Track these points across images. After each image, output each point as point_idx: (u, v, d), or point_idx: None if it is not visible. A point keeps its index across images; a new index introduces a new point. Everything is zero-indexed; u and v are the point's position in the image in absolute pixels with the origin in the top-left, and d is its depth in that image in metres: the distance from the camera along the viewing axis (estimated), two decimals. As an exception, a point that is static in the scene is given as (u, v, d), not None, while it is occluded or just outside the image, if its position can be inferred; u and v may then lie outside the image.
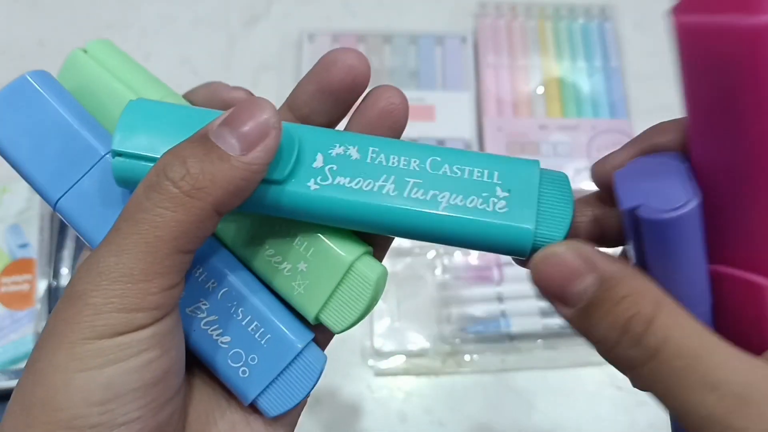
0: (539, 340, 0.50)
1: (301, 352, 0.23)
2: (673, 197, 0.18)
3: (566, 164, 0.56)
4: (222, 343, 0.23)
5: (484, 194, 0.22)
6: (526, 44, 0.61)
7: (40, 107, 0.22)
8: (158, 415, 0.20)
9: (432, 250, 0.52)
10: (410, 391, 0.49)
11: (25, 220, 0.48)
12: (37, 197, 0.48)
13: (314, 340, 0.24)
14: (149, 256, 0.19)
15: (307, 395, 0.24)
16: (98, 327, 0.18)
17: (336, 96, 0.23)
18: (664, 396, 0.18)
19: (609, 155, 0.22)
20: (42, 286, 0.47)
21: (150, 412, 0.19)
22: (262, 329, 0.23)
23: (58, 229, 0.50)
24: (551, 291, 0.19)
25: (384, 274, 0.24)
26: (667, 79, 0.65)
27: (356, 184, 0.22)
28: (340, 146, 0.22)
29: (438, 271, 0.52)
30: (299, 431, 0.48)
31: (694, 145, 0.19)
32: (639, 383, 0.19)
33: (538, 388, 0.49)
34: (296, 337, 0.23)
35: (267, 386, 0.23)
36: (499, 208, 0.21)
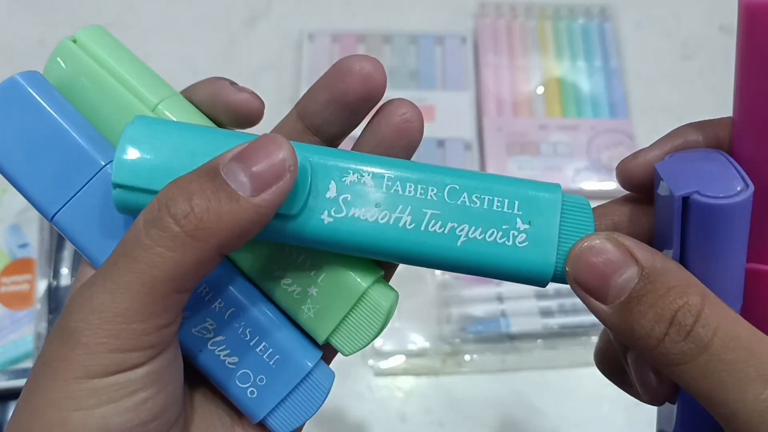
0: (539, 340, 0.50)
1: (310, 372, 0.23)
2: (727, 185, 0.18)
3: (566, 164, 0.56)
4: (230, 363, 0.22)
5: (504, 227, 0.21)
6: (526, 44, 0.61)
7: (32, 112, 0.21)
8: None
9: (432, 250, 0.52)
10: (410, 391, 0.49)
11: (25, 220, 0.48)
12: None
13: (322, 356, 0.24)
14: (145, 296, 0.18)
15: (316, 411, 0.23)
16: (91, 367, 0.18)
17: (351, 107, 0.22)
18: (715, 391, 0.17)
19: (638, 152, 0.22)
20: (42, 286, 0.47)
21: None
22: (271, 350, 0.22)
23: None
24: (590, 285, 0.19)
25: (395, 300, 0.23)
26: (666, 79, 0.65)
27: (372, 216, 0.21)
28: (354, 173, 0.21)
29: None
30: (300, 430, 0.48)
31: (744, 138, 0.19)
32: (686, 379, 0.18)
33: (538, 388, 0.49)
34: (305, 356, 0.23)
35: (276, 406, 0.22)
36: (519, 242, 0.21)
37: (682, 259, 0.19)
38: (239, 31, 0.62)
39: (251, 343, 0.22)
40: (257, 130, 0.24)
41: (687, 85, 0.62)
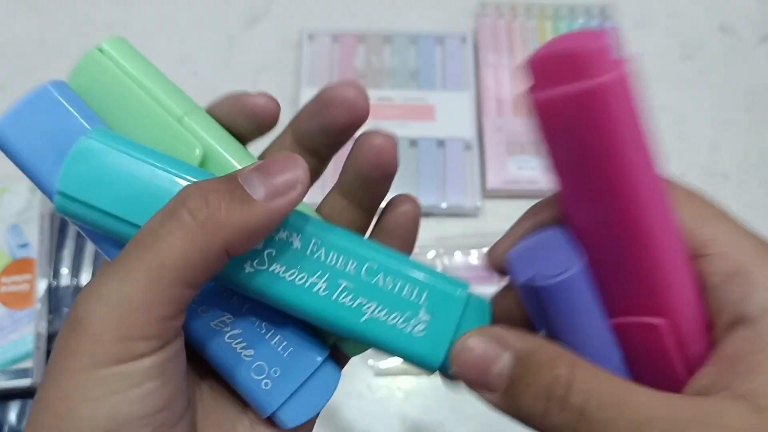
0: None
1: (320, 365, 0.24)
2: (558, 264, 0.20)
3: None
4: (246, 356, 0.23)
5: (407, 313, 0.22)
6: (526, 44, 0.61)
7: (62, 118, 0.22)
8: None
9: (432, 250, 0.52)
10: (410, 391, 0.49)
11: (25, 220, 0.48)
12: (38, 197, 0.48)
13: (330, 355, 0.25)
14: (151, 284, 0.18)
15: (323, 407, 0.24)
16: (97, 355, 0.18)
17: (338, 133, 0.24)
18: None
19: (497, 243, 0.23)
20: (42, 286, 0.47)
21: None
22: (285, 342, 0.23)
23: (59, 229, 0.50)
24: (474, 380, 0.20)
25: None
26: (666, 79, 0.65)
27: (290, 276, 0.22)
28: (284, 231, 0.22)
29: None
30: (299, 431, 0.48)
31: (568, 213, 0.21)
32: None
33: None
34: (316, 351, 0.24)
35: (288, 398, 0.23)
36: (417, 331, 0.22)
37: (553, 335, 0.21)
38: (239, 31, 0.62)
39: (267, 336, 0.23)
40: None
41: (687, 84, 0.62)
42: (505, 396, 0.19)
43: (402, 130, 0.57)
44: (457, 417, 0.48)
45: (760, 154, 0.59)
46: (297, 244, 0.22)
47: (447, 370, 0.22)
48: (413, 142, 0.57)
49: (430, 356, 0.22)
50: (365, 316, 0.22)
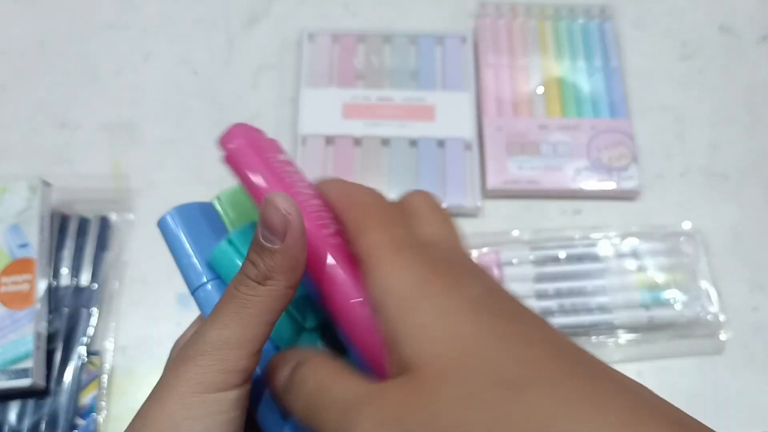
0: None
1: None
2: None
3: (566, 164, 0.56)
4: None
5: None
6: (526, 44, 0.61)
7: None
8: None
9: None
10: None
11: (25, 220, 0.48)
12: (38, 197, 0.48)
13: None
14: (242, 327, 0.24)
15: None
16: (204, 383, 0.23)
17: None
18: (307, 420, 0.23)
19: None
20: (42, 285, 0.47)
21: None
22: None
23: (58, 229, 0.50)
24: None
25: None
26: (666, 79, 0.65)
27: None
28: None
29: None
30: None
31: None
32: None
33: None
34: None
35: None
36: None
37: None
38: (239, 31, 0.62)
39: None
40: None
41: (687, 84, 0.62)
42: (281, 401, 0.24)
43: (402, 130, 0.57)
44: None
45: (759, 154, 0.59)
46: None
47: None
48: (413, 142, 0.57)
49: None
50: None
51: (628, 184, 0.56)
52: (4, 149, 0.57)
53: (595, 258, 0.52)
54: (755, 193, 0.57)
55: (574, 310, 0.50)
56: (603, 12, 0.62)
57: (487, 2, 0.62)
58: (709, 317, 0.51)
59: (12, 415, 0.45)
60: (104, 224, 0.52)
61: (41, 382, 0.44)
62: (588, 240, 0.53)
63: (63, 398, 0.45)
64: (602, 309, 0.50)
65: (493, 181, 0.55)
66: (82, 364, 0.47)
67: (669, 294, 0.51)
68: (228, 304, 0.24)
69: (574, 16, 0.62)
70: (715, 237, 0.55)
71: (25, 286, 0.46)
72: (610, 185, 0.56)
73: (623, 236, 0.53)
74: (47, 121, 0.58)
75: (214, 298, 0.27)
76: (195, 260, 0.27)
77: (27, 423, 0.45)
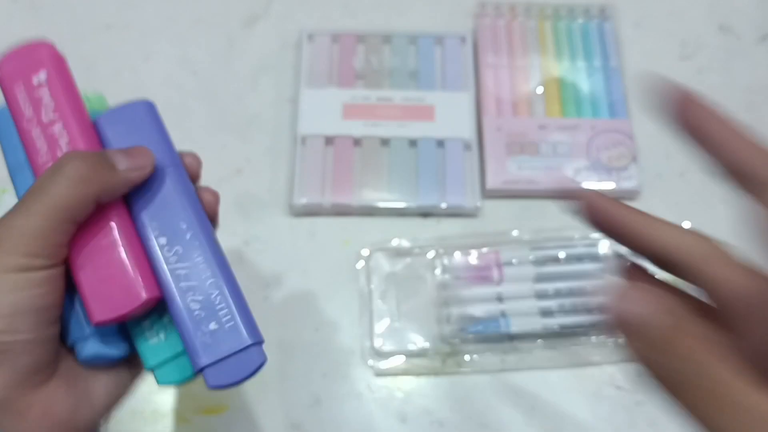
0: (539, 340, 0.50)
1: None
2: None
3: (566, 164, 0.56)
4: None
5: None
6: (525, 44, 0.61)
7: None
8: (47, 330, 0.28)
9: (432, 250, 0.52)
10: (410, 391, 0.49)
11: None
12: None
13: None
14: (47, 219, 0.28)
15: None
16: (9, 264, 0.27)
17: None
18: None
19: None
20: None
21: (40, 327, 0.28)
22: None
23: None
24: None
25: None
26: (666, 78, 0.64)
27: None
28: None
29: (438, 271, 0.52)
30: (300, 430, 0.49)
31: None
32: None
33: (538, 388, 0.49)
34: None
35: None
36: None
37: None
38: (239, 31, 0.62)
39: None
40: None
41: (687, 84, 0.61)
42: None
43: (401, 130, 0.57)
44: (457, 417, 0.48)
45: (759, 154, 0.59)
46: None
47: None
48: (413, 142, 0.57)
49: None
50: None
51: (628, 184, 0.56)
52: (3, 149, 0.57)
53: (595, 258, 0.52)
54: (755, 193, 0.57)
55: (574, 310, 0.50)
56: (602, 12, 0.62)
57: (486, 2, 0.62)
58: None
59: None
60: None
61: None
62: (588, 240, 0.53)
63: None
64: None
65: (492, 181, 0.55)
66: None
67: None
68: (37, 191, 0.28)
69: (573, 16, 0.62)
70: (714, 236, 0.55)
71: None
72: (609, 185, 0.56)
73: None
74: (47, 122, 0.58)
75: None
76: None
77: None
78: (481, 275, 0.51)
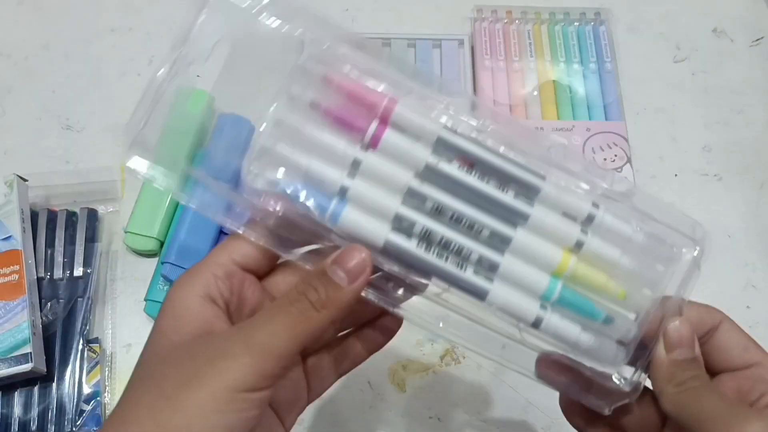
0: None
1: None
2: None
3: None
4: None
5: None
6: (521, 47, 0.62)
7: None
8: None
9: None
10: (410, 389, 0.49)
11: (6, 215, 0.49)
12: (15, 192, 0.50)
13: None
14: (289, 342, 0.26)
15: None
16: (241, 382, 0.25)
17: None
18: None
19: None
20: (30, 274, 0.48)
21: None
22: None
23: (46, 224, 0.51)
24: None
25: None
26: (660, 81, 0.66)
27: None
28: None
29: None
30: (300, 428, 0.49)
31: None
32: None
33: (535, 385, 0.49)
34: None
35: None
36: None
37: None
38: (240, 34, 0.63)
39: None
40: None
41: (680, 87, 0.62)
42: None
43: (399, 131, 0.58)
44: (455, 413, 0.48)
45: (752, 156, 0.59)
46: None
47: None
48: (410, 143, 0.57)
49: None
50: None
51: (623, 185, 0.56)
52: (9, 150, 0.58)
53: (528, 196, 0.30)
54: (748, 194, 0.58)
55: (445, 248, 0.31)
56: (597, 16, 0.63)
57: (483, 6, 0.63)
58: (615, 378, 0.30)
59: (18, 408, 0.46)
60: (92, 216, 0.53)
61: (41, 367, 0.45)
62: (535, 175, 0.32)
63: (67, 386, 0.46)
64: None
65: (489, 182, 0.56)
66: (83, 352, 0.48)
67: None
68: (281, 316, 0.26)
69: (569, 20, 0.63)
70: (708, 237, 0.55)
71: (13, 277, 0.47)
72: (604, 186, 0.56)
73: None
74: (52, 123, 0.59)
75: None
76: None
77: (34, 413, 0.46)
78: (348, 116, 0.29)
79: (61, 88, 0.61)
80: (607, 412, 0.29)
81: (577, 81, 0.60)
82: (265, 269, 0.30)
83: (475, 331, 0.30)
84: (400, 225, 0.29)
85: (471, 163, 0.29)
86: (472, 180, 0.29)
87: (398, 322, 0.32)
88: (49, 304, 0.49)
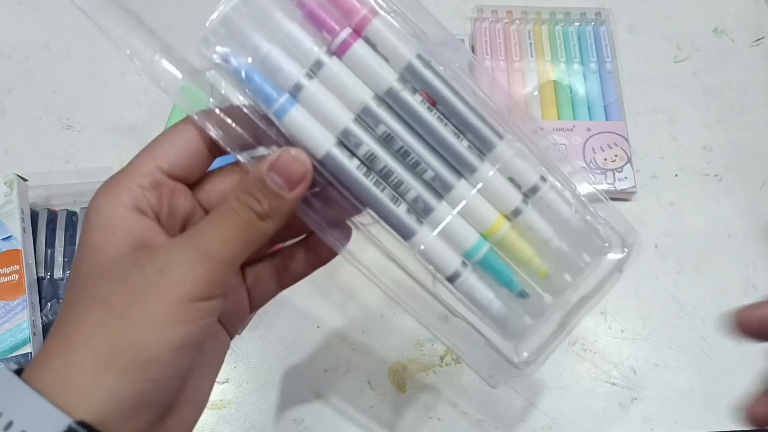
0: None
1: None
2: None
3: (562, 165, 0.57)
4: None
5: None
6: (522, 48, 0.62)
7: None
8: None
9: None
10: (408, 387, 0.49)
11: (6, 214, 0.49)
12: (15, 191, 0.50)
13: None
14: (239, 249, 0.25)
15: None
16: (194, 292, 0.24)
17: None
18: None
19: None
20: (31, 274, 0.48)
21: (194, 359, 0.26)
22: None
23: (47, 224, 0.51)
24: None
25: None
26: (660, 81, 0.66)
27: None
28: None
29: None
30: (300, 427, 0.49)
31: None
32: None
33: (534, 384, 0.50)
34: None
35: None
36: None
37: None
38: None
39: None
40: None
41: (681, 87, 0.62)
42: None
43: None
44: (454, 412, 0.49)
45: (753, 155, 0.59)
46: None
47: None
48: (411, 143, 0.57)
49: None
50: None
51: (623, 185, 0.56)
52: (10, 150, 0.58)
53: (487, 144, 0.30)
54: (748, 194, 0.58)
55: (386, 175, 0.30)
56: (598, 16, 0.63)
57: (483, 6, 0.63)
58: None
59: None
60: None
61: (43, 367, 0.45)
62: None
63: (65, 386, 0.46)
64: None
65: (489, 182, 0.56)
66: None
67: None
68: (229, 225, 0.25)
69: (569, 20, 0.63)
70: (708, 236, 0.56)
71: (14, 277, 0.47)
72: (605, 186, 0.56)
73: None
74: (53, 123, 0.59)
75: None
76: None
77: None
78: (322, 15, 0.27)
79: (61, 88, 0.61)
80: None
81: (578, 81, 0.60)
82: (194, 177, 0.28)
83: (397, 282, 0.29)
84: (347, 140, 0.27)
85: (434, 101, 0.27)
86: (430, 117, 0.27)
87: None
88: (49, 304, 0.49)
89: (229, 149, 0.27)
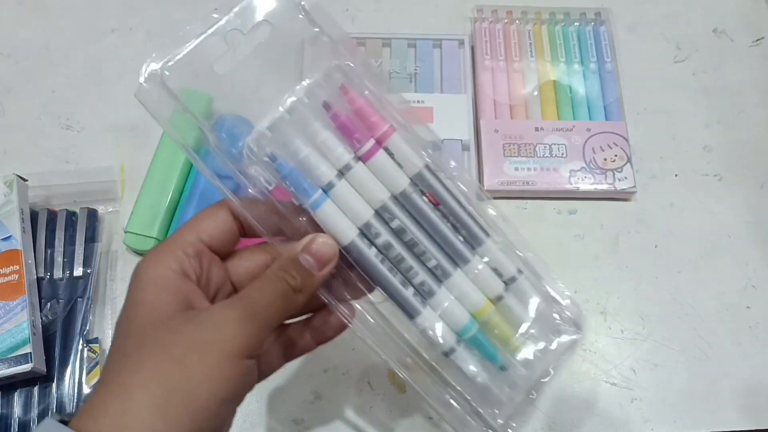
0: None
1: None
2: None
3: (562, 166, 0.57)
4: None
5: None
6: (522, 47, 0.62)
7: None
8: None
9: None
10: (410, 389, 0.49)
11: (6, 215, 0.49)
12: (14, 192, 0.50)
13: None
14: (282, 317, 0.30)
15: None
16: (246, 349, 0.27)
17: None
18: None
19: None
20: (30, 274, 0.48)
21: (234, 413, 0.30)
22: None
23: (46, 224, 0.51)
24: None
25: None
26: (660, 81, 0.66)
27: None
28: None
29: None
30: (300, 427, 0.49)
31: None
32: None
33: (534, 384, 0.50)
34: None
35: None
36: None
37: None
38: (239, 35, 0.63)
39: None
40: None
41: (681, 87, 0.62)
42: None
43: (400, 131, 0.58)
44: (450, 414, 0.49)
45: (753, 155, 0.59)
46: None
47: None
48: (411, 143, 0.57)
49: None
50: None
51: (623, 185, 0.56)
52: (10, 150, 0.58)
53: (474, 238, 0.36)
54: (748, 194, 0.58)
55: (399, 261, 0.36)
56: (598, 16, 0.63)
57: (484, 6, 0.63)
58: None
59: (18, 407, 0.46)
60: (92, 216, 0.53)
61: (41, 367, 0.45)
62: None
63: (67, 386, 0.46)
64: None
65: (489, 182, 0.56)
66: (83, 352, 0.48)
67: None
68: (272, 292, 0.29)
69: (569, 20, 0.63)
70: (708, 236, 0.56)
71: (13, 277, 0.47)
72: (605, 186, 0.56)
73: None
74: (52, 123, 0.59)
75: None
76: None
77: (34, 413, 0.46)
78: (352, 126, 0.33)
79: (61, 88, 0.61)
80: None
81: (578, 81, 0.60)
82: (227, 252, 0.32)
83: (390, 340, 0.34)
84: (368, 231, 0.32)
85: (437, 202, 0.34)
86: (434, 217, 0.33)
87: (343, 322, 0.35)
88: (48, 304, 0.49)
89: (264, 232, 0.31)
